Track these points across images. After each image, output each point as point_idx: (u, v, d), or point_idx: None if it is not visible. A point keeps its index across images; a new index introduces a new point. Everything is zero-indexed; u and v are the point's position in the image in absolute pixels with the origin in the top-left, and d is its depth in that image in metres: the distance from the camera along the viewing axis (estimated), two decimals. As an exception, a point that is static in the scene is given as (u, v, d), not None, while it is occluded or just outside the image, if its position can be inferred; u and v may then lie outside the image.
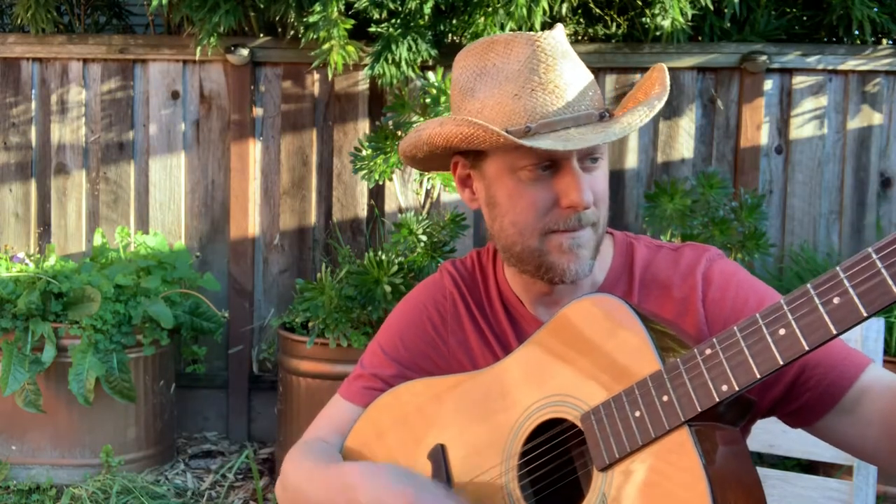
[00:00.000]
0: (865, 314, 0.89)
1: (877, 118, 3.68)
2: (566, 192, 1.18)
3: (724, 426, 1.03)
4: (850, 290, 0.89)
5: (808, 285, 0.92)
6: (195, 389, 3.77)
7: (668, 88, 1.22)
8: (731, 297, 1.21)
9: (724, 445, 1.02)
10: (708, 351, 0.98)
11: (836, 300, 0.90)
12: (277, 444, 3.35)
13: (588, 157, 1.19)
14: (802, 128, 3.69)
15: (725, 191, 3.23)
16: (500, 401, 1.17)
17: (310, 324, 3.15)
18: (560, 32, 1.23)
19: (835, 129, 3.70)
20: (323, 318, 3.05)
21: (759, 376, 0.95)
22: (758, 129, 3.65)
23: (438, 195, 3.43)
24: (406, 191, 3.68)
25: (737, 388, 0.96)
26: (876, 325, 1.45)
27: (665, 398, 1.00)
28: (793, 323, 0.93)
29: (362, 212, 3.77)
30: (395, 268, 2.99)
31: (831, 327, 0.90)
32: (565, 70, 1.19)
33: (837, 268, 0.90)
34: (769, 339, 0.94)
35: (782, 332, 0.93)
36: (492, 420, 1.17)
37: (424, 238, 3.05)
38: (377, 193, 3.75)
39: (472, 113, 1.22)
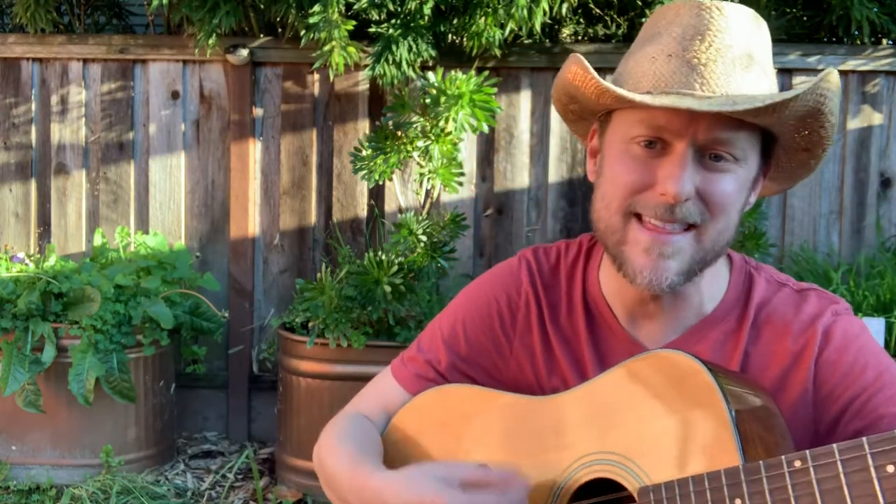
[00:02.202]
0: None
1: (877, 118, 3.68)
2: (664, 177, 1.04)
3: None
4: None
5: None
6: (195, 389, 3.76)
7: (822, 89, 1.07)
8: (849, 363, 1.08)
9: None
10: (798, 464, 0.85)
11: None
12: (277, 444, 3.34)
13: (709, 151, 1.05)
14: (802, 128, 3.69)
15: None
16: (555, 438, 1.07)
17: (310, 324, 3.15)
18: (735, 7, 1.09)
19: (835, 129, 3.69)
20: (323, 318, 3.05)
21: None
22: (758, 130, 3.65)
23: (438, 195, 3.43)
24: (406, 191, 3.68)
25: None
26: (876, 326, 1.45)
27: (737, 502, 0.88)
28: None
29: (362, 212, 3.77)
30: (395, 268, 2.98)
31: None
32: (720, 46, 1.06)
33: None
34: (873, 473, 0.80)
35: (891, 469, 0.79)
36: (542, 457, 1.08)
37: (424, 238, 3.05)
38: (377, 193, 3.75)
39: (618, 73, 1.13)
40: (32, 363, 3.11)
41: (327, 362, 3.07)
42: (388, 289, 2.96)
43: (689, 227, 1.07)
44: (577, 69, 1.09)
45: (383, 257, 3.03)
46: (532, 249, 1.29)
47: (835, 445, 0.83)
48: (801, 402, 1.08)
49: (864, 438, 0.82)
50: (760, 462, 0.88)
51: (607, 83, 1.06)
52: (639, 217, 1.08)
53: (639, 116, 1.07)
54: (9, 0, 4.19)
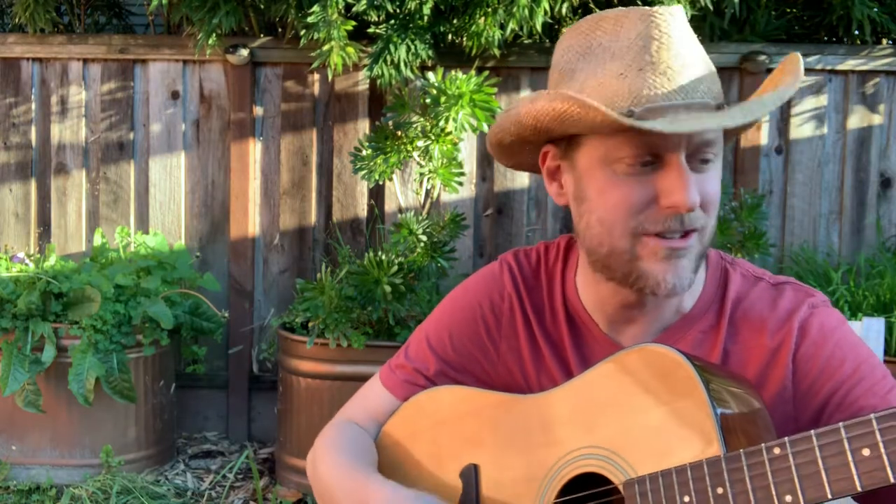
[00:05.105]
0: None
1: (877, 118, 3.68)
2: (669, 191, 1.03)
3: None
4: None
5: None
6: (195, 389, 3.76)
7: (801, 76, 1.07)
8: (826, 357, 1.08)
9: None
10: (777, 451, 0.87)
11: None
12: (277, 444, 3.34)
13: (699, 156, 1.05)
14: (802, 128, 3.69)
15: (725, 191, 3.22)
16: (543, 435, 1.09)
17: (310, 324, 3.15)
18: (680, 10, 1.09)
19: (835, 129, 3.70)
20: (323, 318, 3.05)
21: (830, 497, 0.83)
22: (758, 130, 3.65)
23: (438, 195, 3.43)
24: (406, 191, 3.68)
25: (802, 503, 0.85)
26: (876, 326, 1.45)
27: (720, 490, 0.89)
28: (881, 445, 0.80)
29: (362, 212, 3.77)
30: (395, 268, 2.99)
31: None
32: (682, 51, 1.05)
33: None
34: (850, 457, 0.82)
35: (866, 452, 0.81)
36: (531, 454, 1.09)
37: (424, 238, 3.05)
38: (377, 193, 3.75)
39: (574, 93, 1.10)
40: (32, 363, 3.11)
41: (327, 362, 3.07)
42: (388, 289, 2.96)
43: (694, 230, 1.08)
44: (571, 107, 1.02)
45: (383, 257, 3.03)
46: (513, 252, 1.28)
47: (812, 431, 0.86)
48: (781, 399, 1.09)
49: (840, 424, 0.84)
50: (741, 451, 0.89)
51: (618, 116, 0.99)
52: (647, 233, 1.07)
53: (625, 137, 1.03)
54: (9, 0, 4.20)
